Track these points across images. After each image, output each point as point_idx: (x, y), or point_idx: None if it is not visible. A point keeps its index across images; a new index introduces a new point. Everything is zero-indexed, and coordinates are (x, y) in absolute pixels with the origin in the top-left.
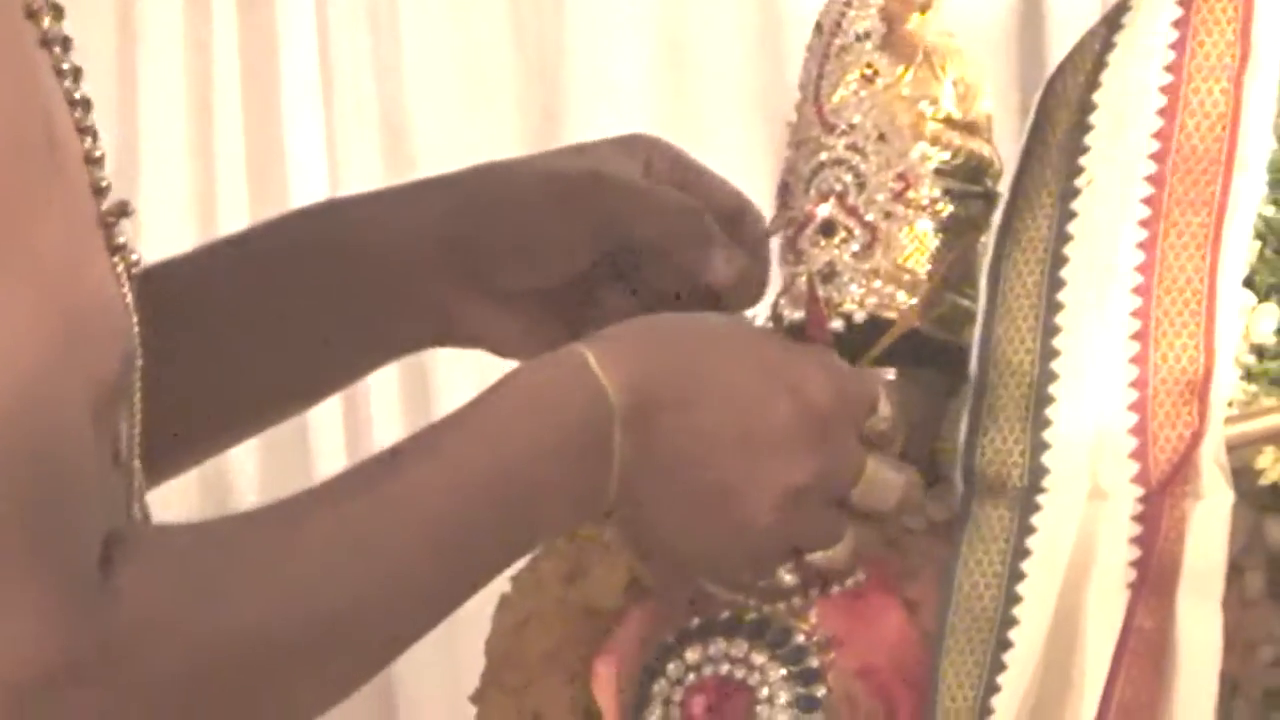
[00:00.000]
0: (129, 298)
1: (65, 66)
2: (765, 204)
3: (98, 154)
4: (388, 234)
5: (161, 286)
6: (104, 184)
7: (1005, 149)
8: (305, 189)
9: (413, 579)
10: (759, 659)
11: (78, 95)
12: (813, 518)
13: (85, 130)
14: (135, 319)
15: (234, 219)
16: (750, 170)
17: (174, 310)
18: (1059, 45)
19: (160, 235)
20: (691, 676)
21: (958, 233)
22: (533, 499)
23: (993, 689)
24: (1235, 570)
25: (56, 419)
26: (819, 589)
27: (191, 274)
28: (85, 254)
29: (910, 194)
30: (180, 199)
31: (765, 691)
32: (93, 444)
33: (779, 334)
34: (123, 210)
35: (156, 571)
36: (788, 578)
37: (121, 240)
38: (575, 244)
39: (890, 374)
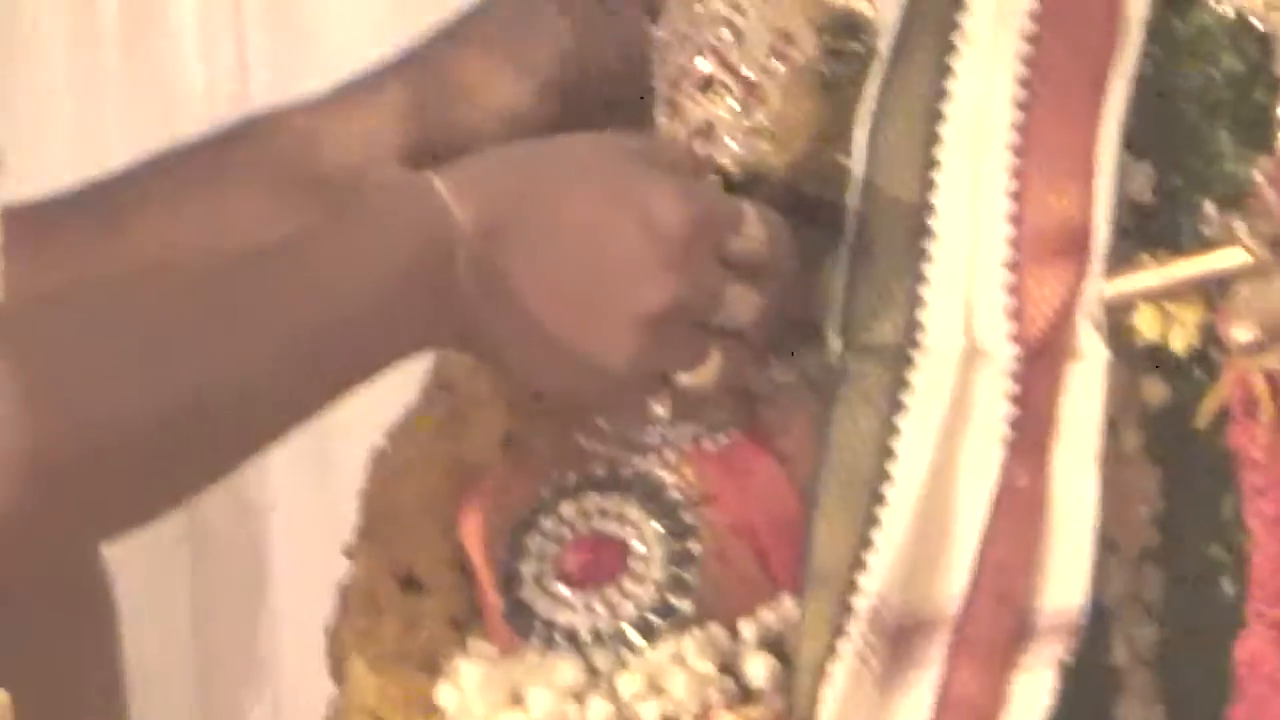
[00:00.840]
0: None
1: None
2: None
3: None
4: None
5: None
6: None
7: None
8: None
9: (250, 383)
10: (634, 514)
11: None
12: (674, 341)
13: None
14: None
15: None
16: None
17: None
18: None
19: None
20: (566, 531)
21: (836, 90)
22: (374, 317)
23: (867, 544)
24: (1112, 429)
25: None
26: (692, 440)
27: None
28: None
29: (789, 51)
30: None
31: (640, 546)
32: None
33: (641, 152)
34: None
35: None
36: (658, 409)
37: None
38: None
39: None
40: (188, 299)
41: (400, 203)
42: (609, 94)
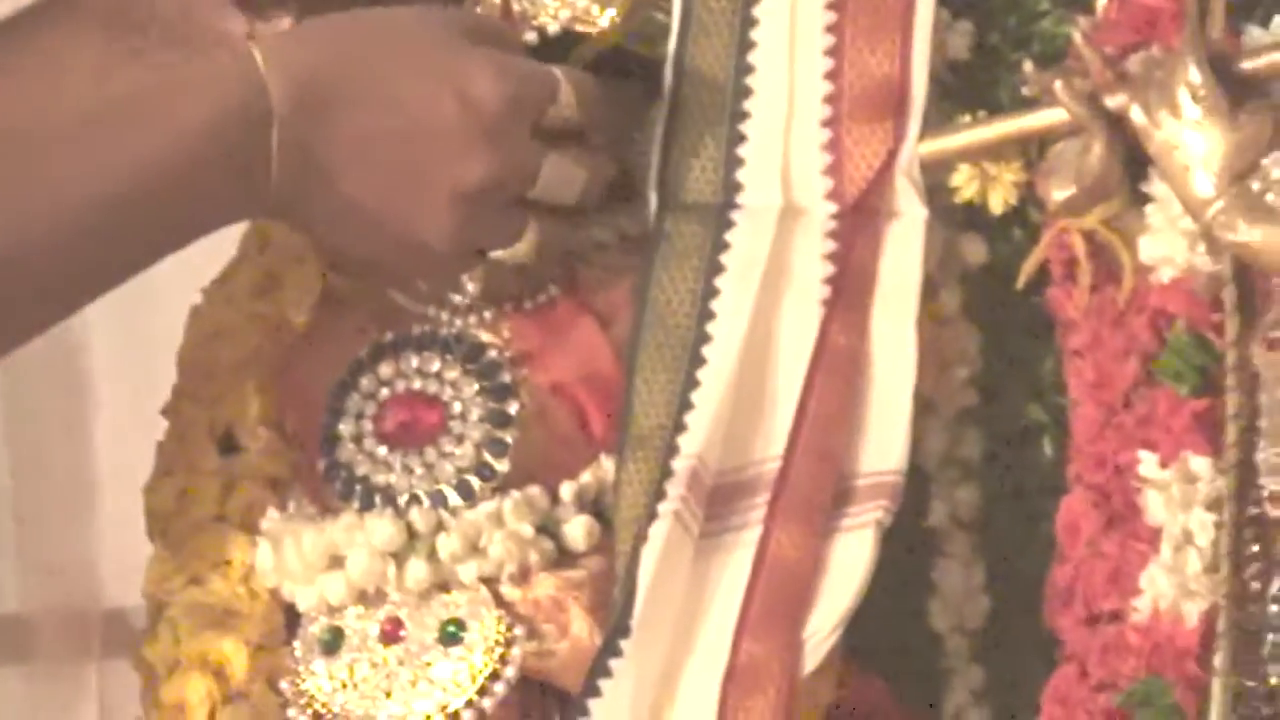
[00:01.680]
0: None
1: None
2: None
3: None
4: None
5: None
6: None
7: None
8: None
9: (55, 246)
10: (452, 374)
11: None
12: (490, 217)
13: None
14: None
15: None
16: None
17: None
18: None
19: None
20: (384, 391)
21: None
22: (180, 189)
23: (687, 405)
24: (930, 288)
25: None
26: (512, 303)
27: None
28: None
29: None
30: None
31: (458, 406)
32: None
33: (461, 25)
34: None
35: None
36: (470, 286)
37: None
38: None
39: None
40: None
41: (216, 71)
42: None
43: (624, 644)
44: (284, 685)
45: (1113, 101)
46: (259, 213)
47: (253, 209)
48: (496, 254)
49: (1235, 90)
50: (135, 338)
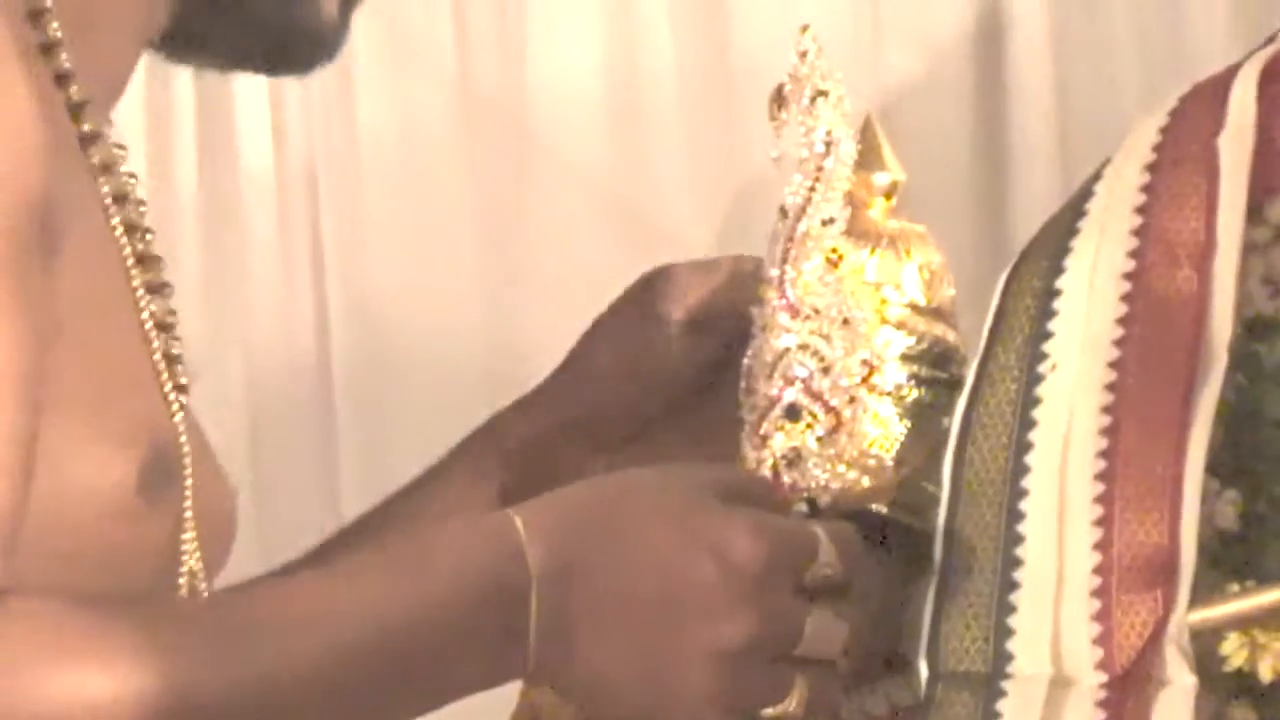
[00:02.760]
0: (168, 392)
1: (95, 161)
2: None
3: (146, 251)
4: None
5: None
6: (157, 283)
7: (965, 322)
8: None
9: (318, 695)
10: None
11: (122, 194)
12: (754, 677)
13: (134, 229)
14: (176, 416)
15: None
16: None
17: None
18: (1021, 230)
19: None
20: None
21: (923, 418)
22: (446, 649)
23: None
24: None
25: None
26: None
27: None
28: (84, 357)
29: (875, 379)
30: None
31: None
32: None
33: (716, 485)
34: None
35: (30, 621)
36: None
37: (176, 352)
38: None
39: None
40: (286, 623)
41: (479, 543)
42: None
43: None
44: None
45: None
46: (520, 674)
47: (514, 670)
48: (766, 713)
49: None
50: None
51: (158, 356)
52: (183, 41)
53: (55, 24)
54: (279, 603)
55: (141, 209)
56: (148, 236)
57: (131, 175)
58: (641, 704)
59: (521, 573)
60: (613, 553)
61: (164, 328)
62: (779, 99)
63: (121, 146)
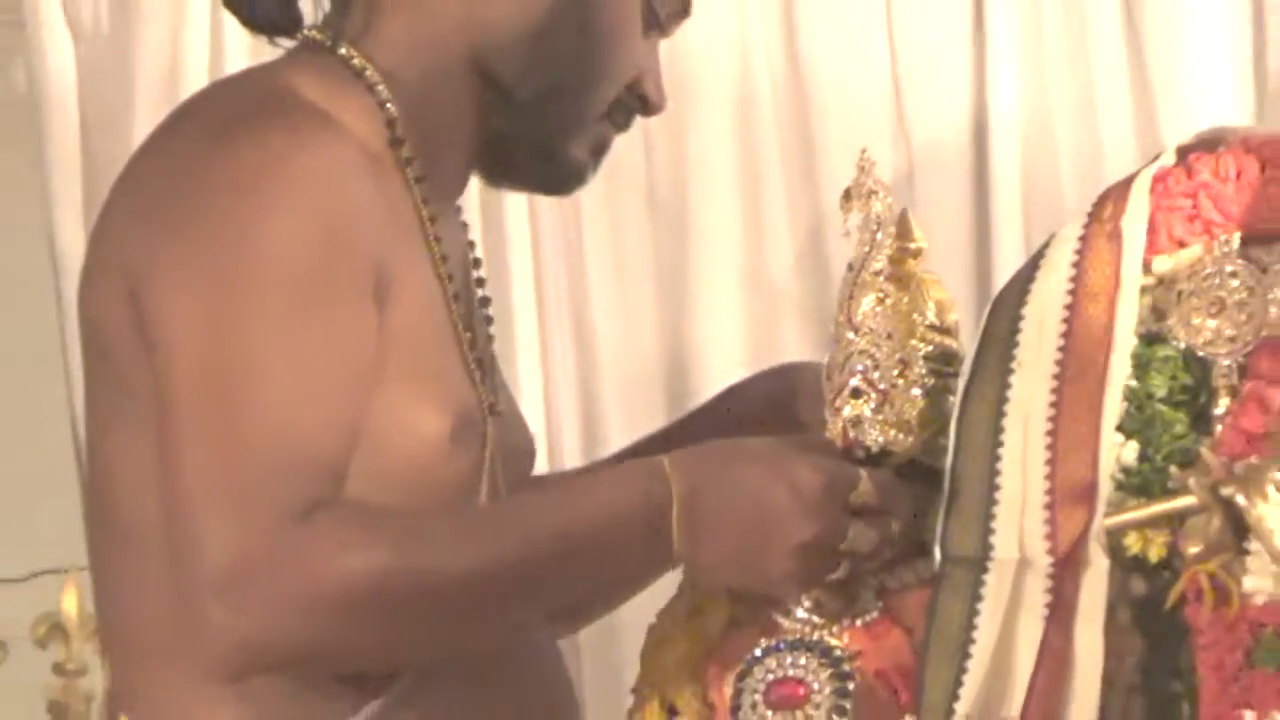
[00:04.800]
0: (471, 399)
1: (432, 234)
2: None
3: (483, 314)
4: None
5: None
6: (483, 338)
7: (964, 335)
8: None
9: (527, 574)
10: (812, 664)
11: (470, 284)
12: (814, 561)
13: (475, 294)
14: (484, 407)
15: None
16: None
17: None
18: (1001, 275)
19: None
20: (770, 676)
21: (937, 397)
22: (611, 543)
23: (958, 685)
24: (1111, 609)
25: (304, 436)
26: (847, 617)
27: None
28: (410, 361)
29: (908, 372)
30: None
31: (816, 685)
32: (332, 453)
33: (798, 445)
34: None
35: (342, 520)
36: (808, 603)
37: (478, 356)
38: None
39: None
40: (502, 522)
41: (639, 474)
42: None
43: None
44: None
45: (1226, 491)
46: (666, 561)
47: (662, 557)
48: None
49: None
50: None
51: (467, 357)
52: (492, 171)
53: (407, 145)
54: (507, 509)
55: (473, 261)
56: (455, 278)
57: (470, 243)
58: (744, 579)
59: (667, 493)
60: (726, 482)
61: (472, 343)
62: (847, 197)
63: (465, 224)
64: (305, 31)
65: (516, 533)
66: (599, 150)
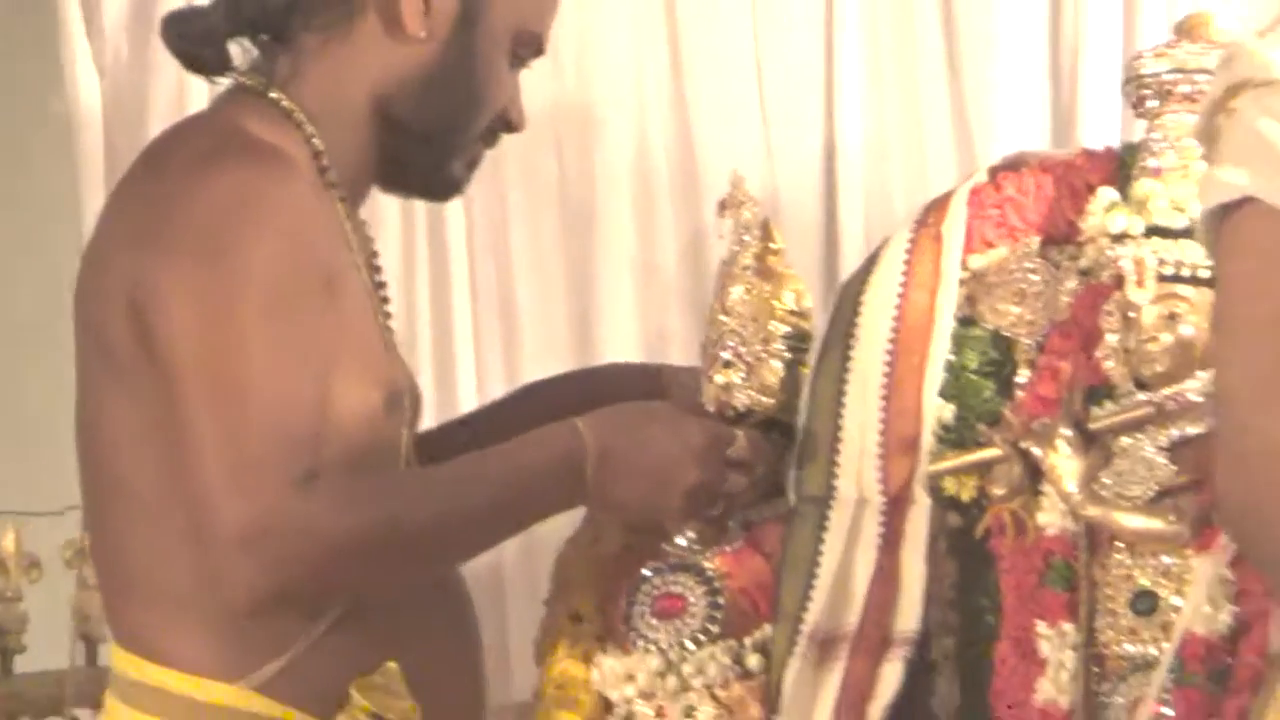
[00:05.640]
0: (398, 375)
1: (355, 239)
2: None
3: (386, 309)
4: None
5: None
6: (388, 324)
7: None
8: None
9: (476, 518)
10: (690, 582)
11: (377, 279)
12: (700, 500)
13: (379, 286)
14: (405, 382)
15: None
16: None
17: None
18: (845, 270)
19: None
20: (656, 591)
21: (793, 367)
22: (541, 489)
23: (807, 600)
24: (931, 539)
25: (294, 417)
26: (718, 545)
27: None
28: (354, 348)
29: (770, 348)
30: None
31: (693, 599)
32: (315, 430)
33: (688, 410)
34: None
35: (332, 487)
36: (689, 533)
37: (392, 340)
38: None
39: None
40: (453, 478)
41: (560, 433)
42: None
43: (776, 718)
44: None
45: (1024, 444)
46: (580, 503)
47: (578, 499)
48: (705, 514)
49: (1086, 438)
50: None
51: (389, 342)
52: (388, 185)
53: (331, 171)
54: (458, 469)
55: (376, 262)
56: (380, 279)
57: (372, 241)
58: (643, 516)
59: (583, 449)
60: (631, 438)
61: (388, 329)
62: (722, 206)
63: (365, 222)
64: (239, 77)
65: (468, 487)
66: (473, 165)
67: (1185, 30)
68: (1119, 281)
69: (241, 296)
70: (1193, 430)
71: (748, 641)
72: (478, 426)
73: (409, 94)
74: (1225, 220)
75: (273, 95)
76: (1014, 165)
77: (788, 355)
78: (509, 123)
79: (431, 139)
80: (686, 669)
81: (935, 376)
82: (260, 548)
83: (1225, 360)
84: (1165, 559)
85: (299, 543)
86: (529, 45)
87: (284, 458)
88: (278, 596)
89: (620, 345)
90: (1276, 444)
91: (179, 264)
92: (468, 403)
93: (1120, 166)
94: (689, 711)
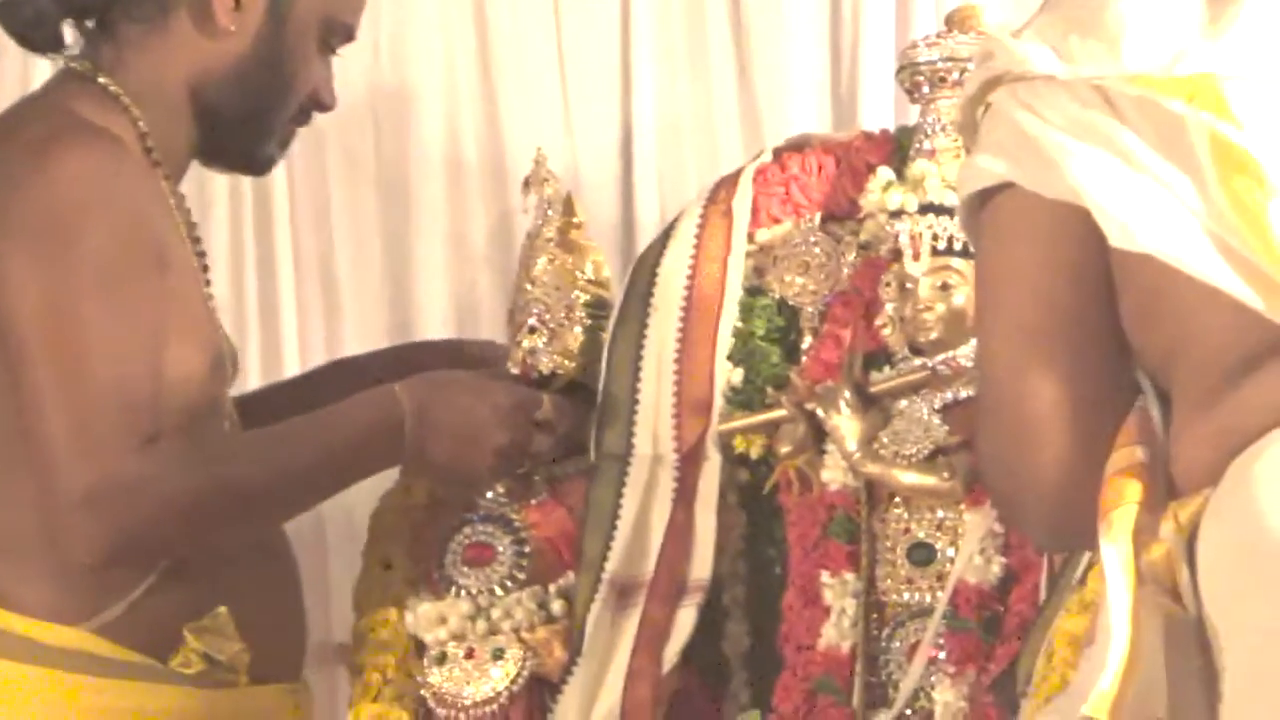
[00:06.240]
0: (220, 339)
1: (179, 214)
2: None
3: (206, 277)
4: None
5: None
6: (210, 296)
7: (615, 289)
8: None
9: (304, 477)
10: (498, 532)
11: (197, 249)
12: (509, 459)
13: (199, 255)
14: (225, 351)
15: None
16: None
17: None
18: (642, 242)
19: None
20: (467, 540)
21: (595, 334)
22: (362, 449)
23: (608, 549)
24: (722, 493)
25: (133, 384)
26: (525, 498)
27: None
28: (182, 316)
29: (572, 315)
30: None
31: (501, 547)
32: (152, 395)
33: (496, 376)
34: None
35: (170, 450)
36: (499, 488)
37: (214, 307)
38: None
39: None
40: (282, 440)
41: (379, 398)
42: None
43: (579, 659)
44: (417, 679)
45: (809, 406)
46: (398, 460)
47: (396, 457)
48: (514, 471)
49: (866, 400)
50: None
51: (211, 309)
52: (207, 162)
53: (155, 151)
54: (287, 431)
55: (196, 234)
56: (200, 249)
57: (190, 213)
58: (456, 474)
59: (400, 411)
60: (444, 402)
61: (209, 295)
62: (526, 183)
63: (187, 203)
64: (68, 63)
65: (296, 449)
66: (285, 143)
67: (956, 21)
68: (896, 255)
69: (81, 273)
70: (964, 393)
71: (552, 588)
72: (296, 393)
73: (223, 83)
74: (985, 204)
75: (101, 80)
76: (798, 146)
77: (589, 322)
78: (320, 103)
79: (245, 123)
80: (495, 613)
81: (725, 342)
82: (102, 508)
83: (987, 330)
84: (940, 513)
85: (140, 503)
86: (339, 34)
87: (125, 423)
88: (119, 552)
89: (434, 314)
90: (1031, 407)
91: (24, 245)
92: (292, 367)
93: (897, 148)
94: (498, 653)
